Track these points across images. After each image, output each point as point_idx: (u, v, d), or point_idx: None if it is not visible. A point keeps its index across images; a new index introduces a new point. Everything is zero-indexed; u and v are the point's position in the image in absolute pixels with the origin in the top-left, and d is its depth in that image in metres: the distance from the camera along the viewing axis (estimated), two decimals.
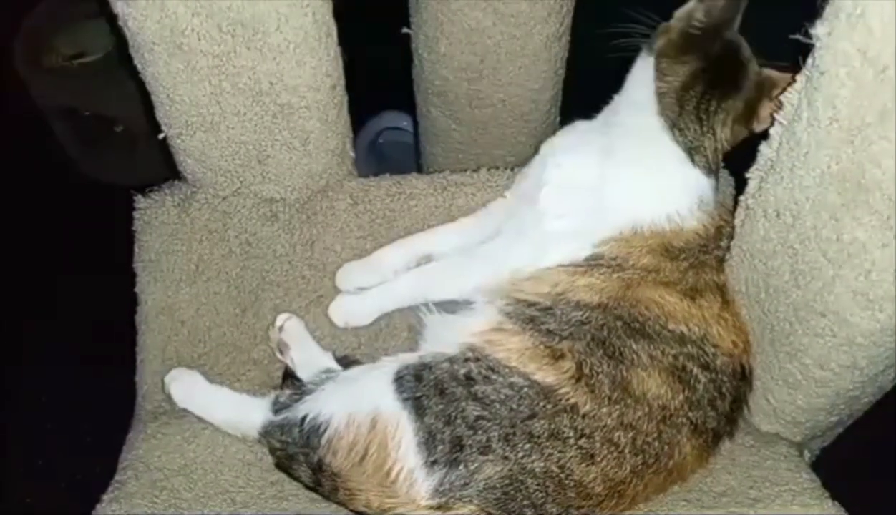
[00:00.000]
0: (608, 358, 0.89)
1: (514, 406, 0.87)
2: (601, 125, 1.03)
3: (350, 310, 1.10)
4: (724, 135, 0.96)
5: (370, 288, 1.10)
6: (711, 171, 0.97)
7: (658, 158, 0.97)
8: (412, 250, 1.10)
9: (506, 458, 0.86)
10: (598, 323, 0.91)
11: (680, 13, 0.98)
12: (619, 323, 0.90)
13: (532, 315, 0.93)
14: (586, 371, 0.88)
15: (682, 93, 0.96)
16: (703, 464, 0.94)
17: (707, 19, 0.96)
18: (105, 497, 0.95)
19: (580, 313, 0.92)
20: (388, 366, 0.93)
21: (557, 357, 0.90)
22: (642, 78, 0.98)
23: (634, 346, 0.90)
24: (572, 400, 0.87)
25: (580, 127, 1.05)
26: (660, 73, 0.97)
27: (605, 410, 0.87)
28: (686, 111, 0.96)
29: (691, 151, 0.96)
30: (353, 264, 1.12)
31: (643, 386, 0.88)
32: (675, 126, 0.96)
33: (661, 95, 0.96)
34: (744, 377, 0.95)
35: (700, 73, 0.96)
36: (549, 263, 0.96)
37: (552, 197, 0.99)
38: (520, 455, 0.86)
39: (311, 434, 0.91)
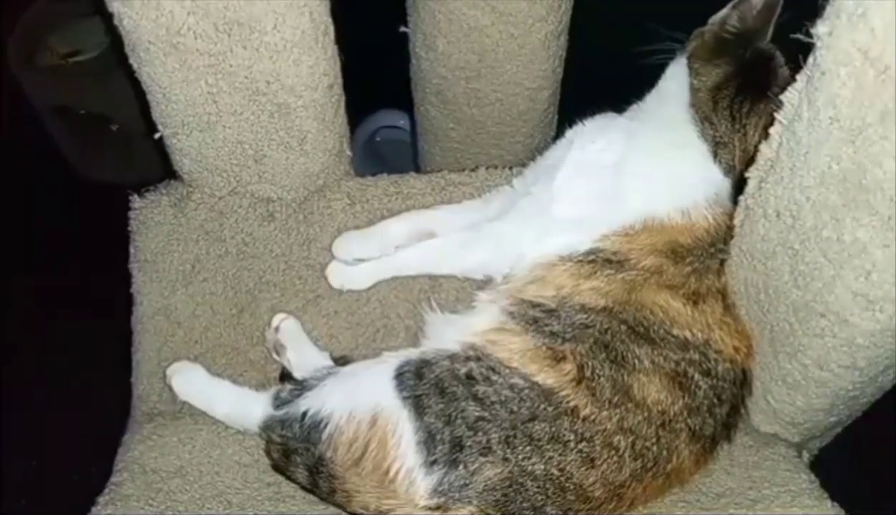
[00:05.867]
0: (610, 362, 0.89)
1: (515, 407, 0.87)
2: (630, 116, 1.04)
3: (348, 273, 1.10)
4: (755, 138, 0.96)
5: (368, 260, 1.09)
6: (731, 172, 0.97)
7: (681, 150, 0.98)
8: (415, 225, 1.09)
9: (506, 460, 0.85)
10: (602, 327, 0.90)
11: (714, 18, 1.01)
12: (623, 327, 0.90)
13: (536, 316, 0.93)
14: (587, 374, 0.88)
15: (716, 91, 0.97)
16: (700, 469, 0.93)
17: (740, 25, 0.98)
18: (100, 499, 0.95)
19: (584, 316, 0.91)
20: (389, 362, 0.93)
21: (559, 359, 0.89)
22: (676, 75, 1.01)
23: (637, 351, 0.89)
24: (573, 403, 0.87)
25: (610, 116, 1.05)
26: (694, 72, 0.99)
27: (605, 414, 0.87)
28: (720, 108, 0.97)
29: (717, 147, 0.97)
30: (354, 233, 1.11)
31: (644, 392, 0.88)
32: (706, 119, 0.97)
33: (695, 91, 0.98)
34: (744, 383, 0.95)
35: (732, 77, 0.97)
36: (549, 250, 0.96)
37: (569, 179, 0.99)
38: (520, 457, 0.85)
39: (311, 429, 0.91)
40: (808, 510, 0.93)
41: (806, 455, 1.06)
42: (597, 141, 1.01)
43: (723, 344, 0.92)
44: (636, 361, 0.89)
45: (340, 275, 1.10)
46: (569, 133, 1.06)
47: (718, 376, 0.91)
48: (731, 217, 0.96)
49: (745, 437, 1.00)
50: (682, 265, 0.93)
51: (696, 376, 0.90)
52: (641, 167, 0.97)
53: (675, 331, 0.91)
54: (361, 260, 1.10)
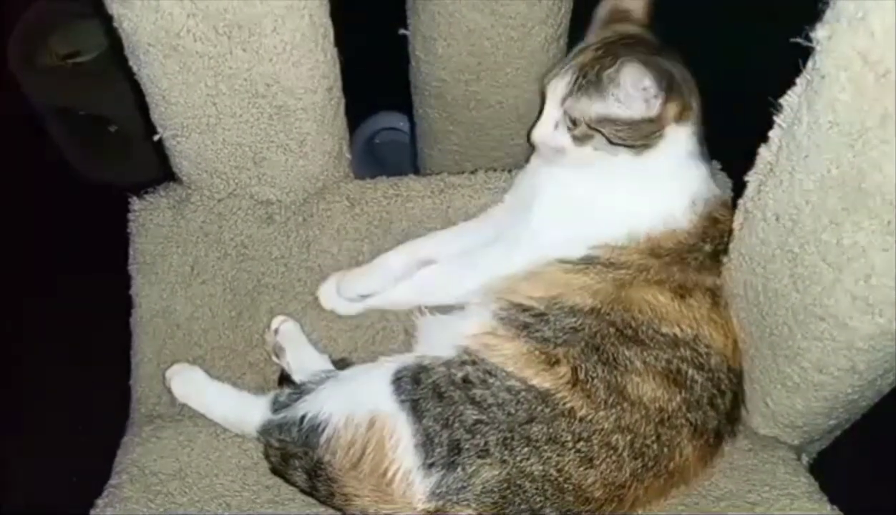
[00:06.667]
0: (602, 364, 0.89)
1: (512, 410, 0.87)
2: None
3: (340, 299, 1.09)
4: None
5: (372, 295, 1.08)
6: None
7: (668, 176, 0.95)
8: (414, 256, 1.08)
9: (504, 462, 0.86)
10: (591, 331, 0.91)
11: (657, 82, 0.88)
12: (611, 330, 0.90)
13: (525, 321, 0.93)
14: (581, 376, 0.88)
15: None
16: (706, 466, 0.93)
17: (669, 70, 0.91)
18: (100, 501, 0.95)
19: (573, 319, 0.92)
20: (386, 367, 0.93)
21: (553, 362, 0.90)
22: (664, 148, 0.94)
23: (627, 353, 0.89)
24: (569, 405, 0.87)
25: None
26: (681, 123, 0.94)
27: (601, 414, 0.87)
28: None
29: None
30: (356, 271, 1.09)
31: (638, 390, 0.88)
32: (704, 141, 0.96)
33: (691, 131, 0.95)
34: (739, 376, 0.95)
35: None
36: (543, 258, 0.96)
37: (546, 208, 0.99)
38: (518, 458, 0.86)
39: (309, 433, 0.91)
40: (808, 512, 0.93)
41: (805, 459, 1.06)
42: (566, 168, 0.98)
43: (712, 339, 0.92)
44: (627, 363, 0.89)
45: (332, 299, 1.10)
46: (533, 159, 1.04)
47: (713, 368, 0.91)
48: (713, 209, 0.96)
49: (745, 440, 1.00)
50: (662, 259, 0.93)
51: (691, 371, 0.90)
52: (623, 191, 0.95)
53: (663, 329, 0.91)
54: (366, 297, 1.09)
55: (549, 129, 0.95)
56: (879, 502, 1.33)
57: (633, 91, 0.89)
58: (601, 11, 1.00)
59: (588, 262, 0.94)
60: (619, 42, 0.95)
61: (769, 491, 0.95)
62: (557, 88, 0.94)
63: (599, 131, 0.92)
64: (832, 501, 0.95)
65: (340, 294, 1.09)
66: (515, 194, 1.08)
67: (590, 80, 0.91)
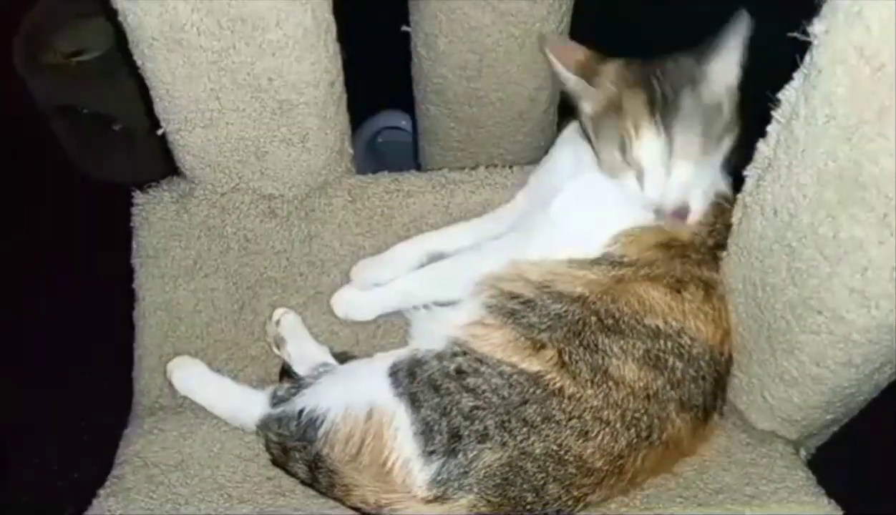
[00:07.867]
0: (584, 348, 0.90)
1: (506, 393, 0.89)
2: None
3: (352, 304, 1.10)
4: None
5: (384, 284, 1.09)
6: None
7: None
8: (426, 248, 1.09)
9: (504, 444, 0.87)
10: (573, 318, 0.92)
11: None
12: (593, 319, 0.91)
13: (513, 308, 0.94)
14: (566, 358, 0.90)
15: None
16: (698, 438, 0.95)
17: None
18: (102, 492, 0.96)
19: (559, 306, 0.93)
20: (382, 361, 0.95)
21: (538, 347, 0.91)
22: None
23: (606, 340, 0.90)
24: (559, 384, 0.89)
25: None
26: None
27: (590, 392, 0.89)
28: None
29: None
30: (368, 260, 1.11)
31: (620, 372, 0.89)
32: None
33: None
34: (728, 360, 0.96)
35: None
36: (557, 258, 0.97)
37: (566, 206, 0.99)
38: (518, 439, 0.87)
39: (308, 427, 0.92)
40: (805, 507, 0.93)
41: (803, 453, 1.06)
42: (585, 160, 0.99)
43: (698, 332, 0.93)
44: (607, 348, 0.90)
45: (345, 305, 1.10)
46: (553, 151, 1.06)
47: (694, 357, 0.92)
48: (717, 205, 0.96)
49: (743, 434, 1.01)
50: (670, 253, 0.94)
51: (671, 359, 0.91)
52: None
53: (646, 321, 0.91)
54: (377, 286, 1.10)
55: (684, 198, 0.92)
56: (877, 497, 1.33)
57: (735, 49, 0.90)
58: (573, 82, 0.98)
59: (597, 263, 0.95)
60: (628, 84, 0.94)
61: (767, 485, 0.95)
62: (655, 151, 0.91)
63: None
64: (830, 496, 0.95)
65: (353, 281, 1.10)
66: (531, 191, 1.09)
67: (676, 102, 0.91)
